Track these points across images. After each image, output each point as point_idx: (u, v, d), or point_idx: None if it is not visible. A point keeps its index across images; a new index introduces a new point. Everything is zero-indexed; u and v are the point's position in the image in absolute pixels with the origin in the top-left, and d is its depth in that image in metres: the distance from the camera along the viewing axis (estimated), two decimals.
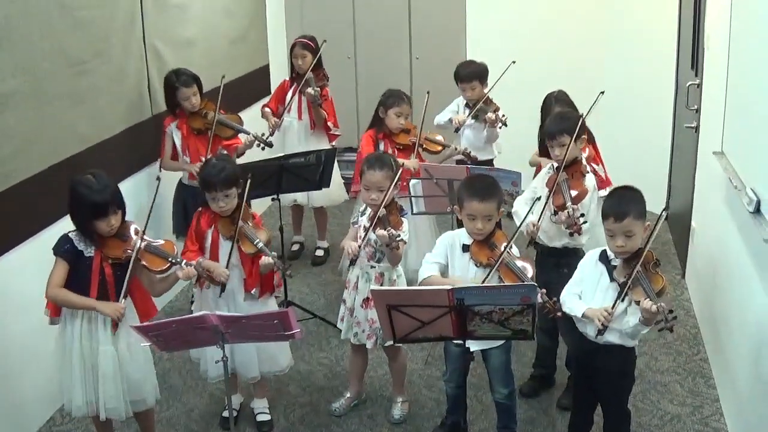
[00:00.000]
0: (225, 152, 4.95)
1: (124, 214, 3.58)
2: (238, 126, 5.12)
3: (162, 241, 3.70)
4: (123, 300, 3.49)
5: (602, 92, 4.41)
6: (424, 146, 5.29)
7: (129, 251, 3.53)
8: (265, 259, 3.86)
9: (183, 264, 3.63)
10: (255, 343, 3.97)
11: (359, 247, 3.97)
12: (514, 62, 5.45)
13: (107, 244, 3.54)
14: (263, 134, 5.15)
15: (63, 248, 3.51)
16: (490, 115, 5.28)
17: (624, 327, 3.35)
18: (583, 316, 3.39)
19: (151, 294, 3.75)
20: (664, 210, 3.43)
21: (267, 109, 5.91)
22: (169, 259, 3.62)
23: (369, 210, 4.01)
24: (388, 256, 3.96)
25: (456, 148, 5.34)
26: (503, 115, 5.29)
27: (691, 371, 4.63)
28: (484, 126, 5.39)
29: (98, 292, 3.52)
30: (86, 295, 3.50)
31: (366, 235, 3.99)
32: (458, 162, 5.40)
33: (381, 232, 3.80)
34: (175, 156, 5.14)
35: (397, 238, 3.79)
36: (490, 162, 5.49)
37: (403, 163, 4.90)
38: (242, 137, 5.16)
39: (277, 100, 5.93)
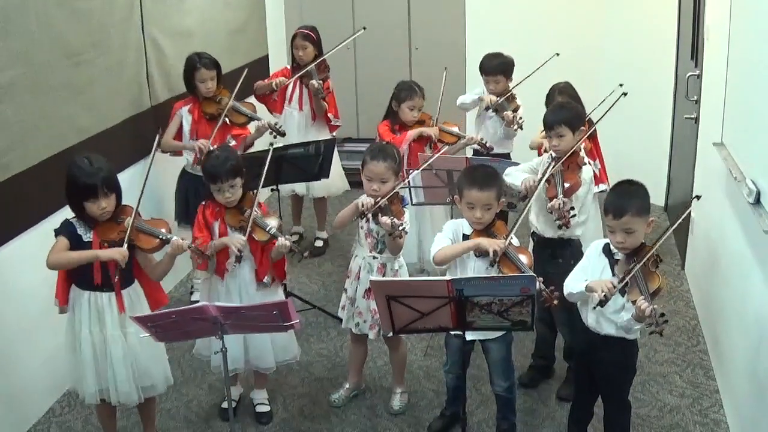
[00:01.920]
0: (233, 142, 4.95)
1: (119, 198, 3.58)
2: (251, 113, 5.10)
3: (155, 220, 3.72)
4: (125, 245, 3.48)
5: (624, 94, 4.43)
6: (439, 137, 5.28)
7: (123, 233, 3.53)
8: (281, 241, 3.82)
9: (173, 239, 3.61)
10: (270, 334, 3.99)
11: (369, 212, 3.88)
12: (557, 54, 5.41)
13: (103, 228, 3.54)
14: (276, 123, 5.13)
15: (63, 228, 3.53)
16: (508, 113, 5.24)
17: (618, 320, 3.35)
18: (587, 289, 3.35)
19: (152, 278, 3.75)
20: (696, 196, 3.37)
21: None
22: (160, 237, 3.61)
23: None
24: (389, 246, 3.96)
25: (472, 138, 5.31)
26: (520, 118, 5.24)
27: (691, 362, 4.63)
28: (503, 122, 5.36)
29: (102, 277, 3.52)
30: (91, 281, 3.50)
31: (366, 223, 4.00)
32: (475, 152, 5.39)
33: (385, 219, 3.79)
34: (178, 140, 5.10)
35: (400, 227, 3.78)
36: (507, 156, 5.45)
37: (422, 131, 5.10)
38: (252, 126, 5.13)
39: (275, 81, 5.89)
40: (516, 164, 4.44)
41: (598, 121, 4.39)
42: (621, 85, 4.46)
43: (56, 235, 3.52)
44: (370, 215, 3.90)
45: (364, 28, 5.85)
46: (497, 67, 5.36)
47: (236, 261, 3.87)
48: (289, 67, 5.93)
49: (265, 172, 4.10)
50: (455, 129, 5.36)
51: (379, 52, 7.63)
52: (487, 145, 5.30)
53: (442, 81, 5.29)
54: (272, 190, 5.08)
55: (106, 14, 4.71)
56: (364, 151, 4.06)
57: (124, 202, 3.64)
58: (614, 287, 3.24)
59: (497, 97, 5.35)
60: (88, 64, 4.55)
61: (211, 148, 4.72)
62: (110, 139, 4.77)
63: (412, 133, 5.14)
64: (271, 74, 6.28)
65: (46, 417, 4.25)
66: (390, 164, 3.92)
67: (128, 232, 3.52)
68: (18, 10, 3.93)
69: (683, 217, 3.39)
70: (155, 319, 3.35)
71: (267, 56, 7.21)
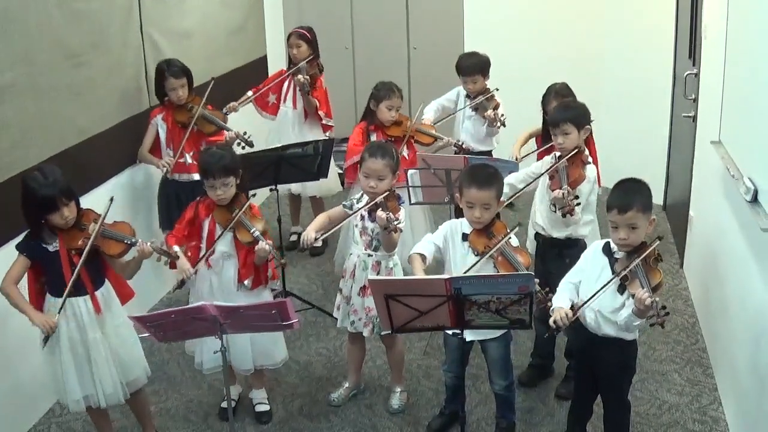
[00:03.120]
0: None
1: (78, 204, 3.58)
2: (220, 122, 5.09)
3: (119, 223, 3.73)
4: (57, 316, 3.49)
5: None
6: (416, 138, 5.29)
7: (88, 240, 3.53)
8: (261, 245, 3.85)
9: (139, 243, 3.63)
10: (250, 336, 4.00)
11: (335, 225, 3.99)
12: (497, 89, 5.42)
13: (67, 236, 3.55)
14: (245, 133, 5.13)
15: (24, 244, 3.53)
16: (489, 113, 5.25)
17: (618, 319, 3.35)
18: (552, 309, 3.41)
19: (123, 278, 3.78)
20: (658, 238, 3.38)
21: (249, 92, 5.87)
22: (125, 241, 3.63)
23: (366, 198, 4.02)
24: (383, 242, 3.97)
25: (448, 140, 5.34)
26: (502, 115, 5.25)
27: (690, 360, 4.64)
28: (483, 121, 5.38)
29: (75, 284, 3.52)
30: (63, 288, 3.50)
31: (361, 221, 4.02)
32: (456, 153, 5.41)
33: (381, 213, 3.80)
34: (156, 148, 5.11)
35: (395, 222, 3.80)
36: (488, 153, 5.49)
37: None
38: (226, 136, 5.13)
39: (268, 83, 5.91)
40: (510, 163, 4.44)
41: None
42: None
43: (17, 250, 3.52)
44: (365, 213, 3.94)
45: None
46: (474, 66, 5.38)
47: (178, 286, 3.94)
48: (285, 68, 5.94)
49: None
50: (432, 131, 5.37)
51: (377, 53, 7.65)
52: (464, 146, 5.34)
53: (417, 112, 5.34)
54: (271, 190, 5.09)
55: (105, 15, 4.72)
56: (362, 150, 4.08)
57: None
58: (567, 318, 3.30)
59: (475, 96, 5.38)
60: (88, 65, 4.56)
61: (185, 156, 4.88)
62: (109, 139, 4.79)
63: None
64: (269, 76, 6.29)
65: (46, 417, 4.25)
66: (388, 162, 3.94)
67: (91, 240, 3.51)
68: (18, 11, 3.94)
69: (652, 247, 3.37)
70: (155, 319, 3.36)
71: (265, 56, 7.21)
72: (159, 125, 5.08)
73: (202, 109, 5.02)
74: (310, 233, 3.94)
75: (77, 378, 3.60)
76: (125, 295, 3.82)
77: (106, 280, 3.71)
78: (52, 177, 3.47)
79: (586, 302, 3.33)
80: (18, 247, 3.54)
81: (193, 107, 5.03)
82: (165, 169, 4.98)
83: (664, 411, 4.19)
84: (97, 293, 3.62)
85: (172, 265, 4.03)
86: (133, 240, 3.64)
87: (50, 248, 3.53)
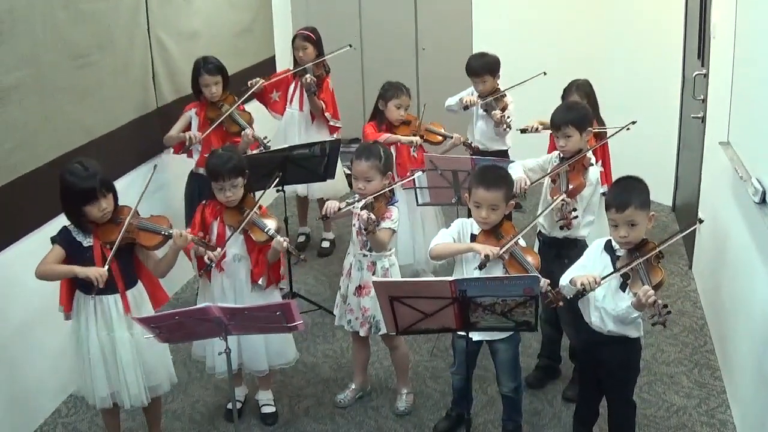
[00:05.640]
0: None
1: (116, 198, 3.60)
2: (244, 123, 5.11)
3: (155, 216, 3.74)
4: (106, 266, 3.48)
5: (634, 122, 4.59)
6: (425, 137, 5.29)
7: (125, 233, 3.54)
8: (278, 239, 3.83)
9: (175, 232, 3.63)
10: (260, 336, 3.99)
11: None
12: (545, 73, 5.36)
13: (103, 230, 3.56)
14: (265, 137, 5.13)
15: (60, 236, 3.54)
16: (496, 112, 5.24)
17: (617, 311, 3.33)
18: (571, 282, 3.37)
19: (156, 276, 3.77)
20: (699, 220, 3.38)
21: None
22: (162, 233, 3.63)
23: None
24: (370, 242, 3.97)
25: (458, 138, 5.32)
26: (509, 118, 5.24)
27: (698, 363, 4.61)
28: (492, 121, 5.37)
29: (105, 281, 3.51)
30: (94, 285, 3.49)
31: (357, 221, 4.03)
32: (471, 154, 5.40)
33: (363, 213, 3.83)
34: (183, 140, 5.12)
35: (374, 223, 3.82)
36: (504, 153, 5.45)
37: (399, 140, 5.11)
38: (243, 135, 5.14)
39: (275, 77, 5.90)
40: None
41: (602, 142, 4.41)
42: (634, 122, 4.60)
43: (53, 243, 3.53)
44: (357, 211, 3.93)
45: (350, 46, 5.85)
46: (483, 66, 5.35)
47: (209, 264, 3.85)
48: (291, 68, 5.92)
49: (273, 180, 4.15)
50: (441, 130, 5.37)
51: (386, 53, 7.65)
52: (473, 145, 5.35)
53: (421, 114, 5.32)
54: (278, 191, 5.09)
55: (111, 16, 4.73)
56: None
57: (129, 202, 3.65)
58: (596, 282, 3.26)
59: (486, 96, 5.36)
60: (94, 66, 4.57)
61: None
62: (116, 140, 4.79)
63: (387, 137, 5.10)
64: (276, 72, 6.29)
65: (52, 418, 4.26)
66: (373, 163, 3.95)
67: (122, 229, 3.52)
68: (24, 12, 3.95)
69: (686, 232, 3.38)
70: (159, 320, 3.35)
71: (274, 56, 7.21)
72: (192, 118, 5.12)
73: (231, 109, 5.04)
74: (335, 203, 3.95)
75: (104, 375, 3.61)
76: (160, 299, 3.82)
77: (139, 282, 3.71)
78: (92, 169, 3.50)
79: (607, 276, 3.30)
80: (54, 238, 3.54)
81: (224, 105, 5.07)
82: (190, 141, 4.96)
83: (671, 414, 4.17)
84: (128, 293, 3.63)
85: (207, 274, 4.00)
86: (170, 231, 3.65)
87: (84, 243, 3.54)
